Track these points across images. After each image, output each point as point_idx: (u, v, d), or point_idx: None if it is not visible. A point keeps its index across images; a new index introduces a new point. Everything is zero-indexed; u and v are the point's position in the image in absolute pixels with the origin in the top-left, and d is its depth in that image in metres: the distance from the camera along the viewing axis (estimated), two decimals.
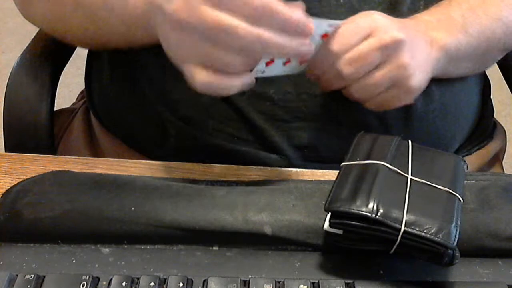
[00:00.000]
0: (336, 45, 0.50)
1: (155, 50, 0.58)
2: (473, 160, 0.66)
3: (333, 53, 0.50)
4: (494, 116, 0.74)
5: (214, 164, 0.52)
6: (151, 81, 0.59)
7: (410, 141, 0.47)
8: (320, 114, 0.57)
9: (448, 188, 0.43)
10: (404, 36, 0.50)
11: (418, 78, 0.52)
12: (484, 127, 0.70)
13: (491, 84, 0.72)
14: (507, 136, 0.75)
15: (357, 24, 0.50)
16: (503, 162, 0.74)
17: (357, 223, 0.40)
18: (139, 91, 0.61)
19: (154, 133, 0.61)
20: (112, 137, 0.67)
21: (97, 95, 0.68)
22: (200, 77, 0.43)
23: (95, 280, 0.40)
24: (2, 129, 0.64)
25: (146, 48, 0.58)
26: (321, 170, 0.52)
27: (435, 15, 0.56)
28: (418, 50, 0.52)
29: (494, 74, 0.76)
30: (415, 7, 0.58)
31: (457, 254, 0.40)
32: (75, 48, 0.73)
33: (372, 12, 0.52)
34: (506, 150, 0.75)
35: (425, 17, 0.56)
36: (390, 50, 0.50)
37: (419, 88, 0.53)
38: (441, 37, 0.55)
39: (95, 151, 0.69)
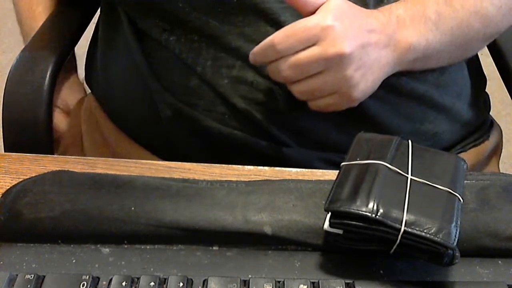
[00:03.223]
0: (279, 45, 0.49)
1: (145, 43, 0.59)
2: (468, 158, 0.66)
3: (275, 52, 0.50)
4: (494, 116, 0.74)
5: (214, 164, 0.52)
6: (144, 67, 0.60)
7: (410, 141, 0.47)
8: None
9: (448, 188, 0.43)
10: (352, 49, 0.49)
11: (362, 88, 0.52)
12: (480, 122, 0.70)
13: (491, 84, 0.72)
14: (507, 136, 0.75)
15: (307, 25, 0.49)
16: (503, 163, 0.74)
17: (357, 223, 0.40)
18: (136, 74, 0.62)
19: (148, 117, 0.62)
20: (114, 130, 0.67)
21: (96, 80, 0.70)
22: None
23: (95, 280, 0.40)
24: (1, 127, 0.64)
25: (136, 37, 0.60)
26: (321, 170, 0.52)
27: (410, 11, 0.55)
28: (368, 59, 0.51)
29: (494, 74, 0.76)
30: None
31: (457, 254, 0.40)
32: (74, 46, 0.73)
33: (332, 8, 0.50)
34: (507, 150, 0.75)
35: (399, 11, 0.54)
36: (333, 62, 0.49)
37: (362, 97, 0.53)
38: (408, 37, 0.54)
39: (95, 149, 0.69)
